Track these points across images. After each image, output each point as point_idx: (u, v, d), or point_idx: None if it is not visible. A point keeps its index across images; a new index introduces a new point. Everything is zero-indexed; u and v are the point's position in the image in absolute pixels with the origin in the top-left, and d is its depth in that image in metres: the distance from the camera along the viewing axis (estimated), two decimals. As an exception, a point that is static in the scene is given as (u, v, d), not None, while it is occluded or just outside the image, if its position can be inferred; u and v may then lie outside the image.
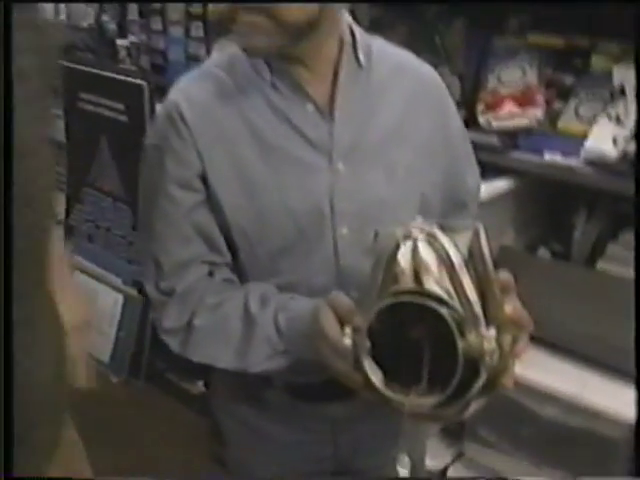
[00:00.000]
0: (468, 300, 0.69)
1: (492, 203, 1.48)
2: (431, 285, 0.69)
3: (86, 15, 2.45)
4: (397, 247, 0.71)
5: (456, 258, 0.71)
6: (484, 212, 1.49)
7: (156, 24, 2.20)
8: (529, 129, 1.48)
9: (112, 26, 2.40)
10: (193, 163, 0.92)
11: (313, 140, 0.93)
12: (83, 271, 2.37)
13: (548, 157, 1.44)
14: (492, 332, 0.70)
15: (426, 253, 0.71)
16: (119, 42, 2.33)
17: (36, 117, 0.34)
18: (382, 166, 0.96)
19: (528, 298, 0.80)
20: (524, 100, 1.49)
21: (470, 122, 1.53)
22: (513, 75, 1.54)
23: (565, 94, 1.49)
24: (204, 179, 0.92)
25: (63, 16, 2.53)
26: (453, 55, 1.61)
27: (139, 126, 1.99)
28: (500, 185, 1.51)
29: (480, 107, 1.53)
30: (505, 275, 0.77)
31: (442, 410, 0.70)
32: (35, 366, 0.36)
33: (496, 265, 0.77)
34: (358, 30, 0.96)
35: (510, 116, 1.49)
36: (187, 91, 0.94)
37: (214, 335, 0.93)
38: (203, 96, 0.93)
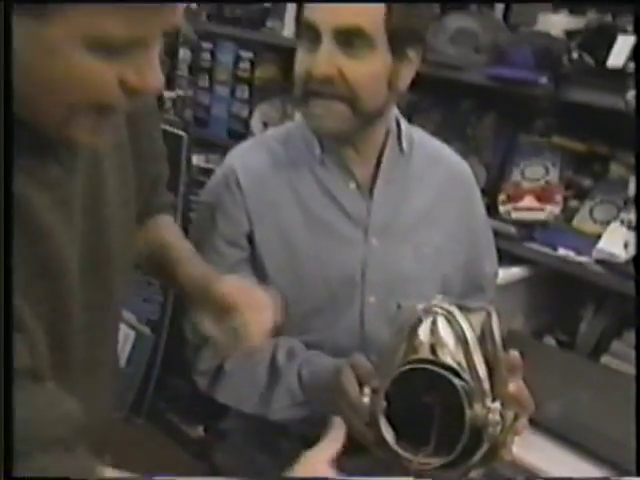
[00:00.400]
0: (478, 375, 0.78)
1: (506, 288, 1.57)
2: (446, 358, 0.78)
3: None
4: (419, 321, 0.80)
5: (470, 336, 0.80)
6: (497, 296, 1.58)
7: (203, 81, 2.35)
8: (546, 223, 1.58)
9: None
10: (242, 223, 1.01)
11: (352, 215, 1.03)
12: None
13: (561, 251, 1.53)
14: (497, 405, 0.78)
15: (444, 329, 0.80)
16: (166, 94, 2.48)
17: None
18: (411, 245, 1.05)
19: (531, 382, 0.88)
20: (544, 196, 1.59)
21: (491, 210, 1.64)
22: (536, 172, 1.65)
23: (582, 195, 1.60)
24: (250, 239, 1.02)
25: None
26: (482, 146, 1.72)
27: (174, 175, 2.10)
28: (514, 272, 1.60)
29: (502, 197, 1.63)
30: (514, 355, 0.86)
31: (445, 472, 0.77)
32: None
33: (505, 347, 0.86)
34: (403, 120, 1.08)
35: (529, 209, 1.60)
36: (244, 159, 1.05)
37: (241, 380, 1.01)
38: (258, 165, 1.04)
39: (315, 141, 1.03)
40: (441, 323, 0.79)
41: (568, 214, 1.59)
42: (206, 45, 2.33)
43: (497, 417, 0.78)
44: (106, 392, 0.89)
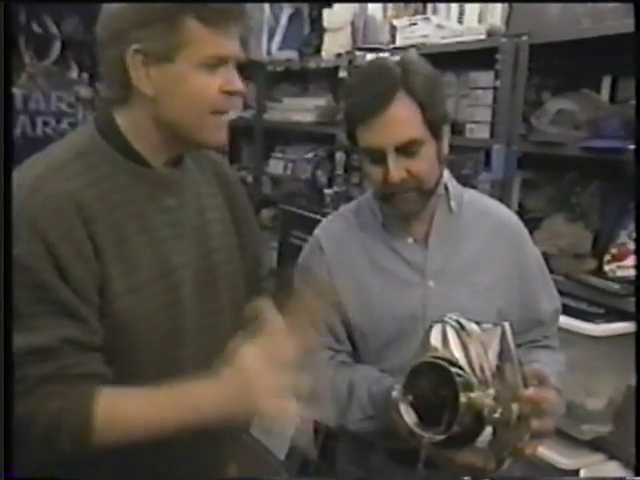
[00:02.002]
0: (478, 369, 0.97)
1: (614, 341, 1.65)
2: (446, 354, 0.98)
3: (305, 170, 3.07)
4: (430, 328, 1.02)
5: (472, 340, 1.00)
6: (609, 348, 1.67)
7: (355, 178, 2.72)
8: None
9: (323, 179, 2.99)
10: (324, 277, 1.29)
11: (411, 263, 1.27)
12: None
13: (666, 305, 1.59)
14: (491, 391, 0.96)
15: (450, 334, 1.01)
16: (326, 191, 2.89)
17: None
18: (465, 285, 1.25)
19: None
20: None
21: (597, 271, 1.75)
22: (643, 233, 1.73)
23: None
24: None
25: (289, 171, 3.19)
26: (588, 212, 1.85)
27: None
28: (621, 327, 1.67)
29: (607, 257, 1.74)
30: (539, 370, 1.04)
31: (459, 450, 0.96)
32: None
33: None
34: (451, 184, 1.31)
35: (633, 267, 1.68)
36: (326, 228, 1.36)
37: (326, 398, 1.25)
38: (336, 232, 1.34)
39: (378, 210, 1.31)
40: (449, 330, 1.00)
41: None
42: (356, 148, 2.71)
43: (490, 401, 0.95)
44: None
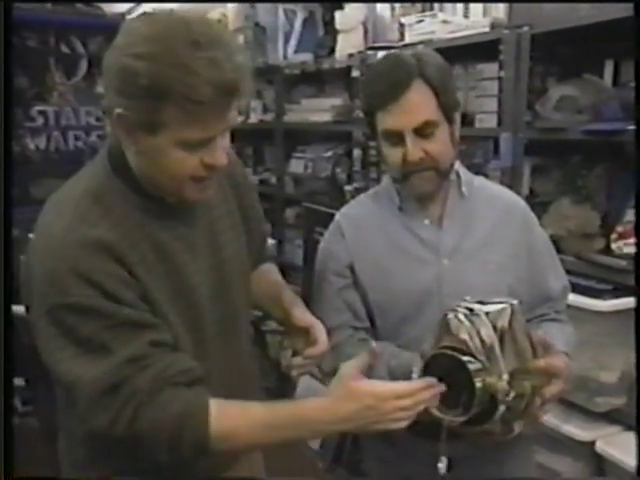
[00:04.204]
0: (486, 350, 1.06)
1: (621, 315, 1.71)
2: (462, 345, 1.07)
3: (325, 169, 3.17)
4: (445, 316, 1.11)
5: (482, 325, 1.08)
6: (618, 323, 1.73)
7: (373, 174, 2.81)
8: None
9: (342, 176, 3.09)
10: (345, 259, 1.39)
11: (427, 242, 1.36)
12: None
13: (672, 279, 1.64)
14: (505, 376, 1.05)
15: (464, 319, 1.09)
16: (346, 187, 2.99)
17: None
18: (477, 262, 1.34)
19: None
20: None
21: (605, 249, 1.82)
22: (648, 210, 1.79)
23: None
24: (352, 269, 1.39)
25: (309, 170, 3.29)
26: (594, 194, 1.91)
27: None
28: (630, 301, 1.73)
29: (614, 236, 1.80)
30: (541, 336, 1.15)
31: (476, 427, 1.07)
32: None
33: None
34: (462, 171, 1.40)
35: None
36: (346, 213, 1.46)
37: None
38: (355, 216, 1.43)
39: (395, 195, 1.40)
40: (460, 317, 1.09)
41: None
42: (373, 143, 2.80)
43: (504, 385, 1.04)
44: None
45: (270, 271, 1.44)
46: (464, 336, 1.08)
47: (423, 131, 1.26)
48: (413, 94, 1.25)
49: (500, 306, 1.12)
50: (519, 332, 1.11)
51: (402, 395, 1.03)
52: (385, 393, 1.03)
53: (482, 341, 1.08)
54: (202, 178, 1.05)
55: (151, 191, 1.10)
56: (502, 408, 1.06)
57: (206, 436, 1.02)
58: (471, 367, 1.05)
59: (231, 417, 1.05)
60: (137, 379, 1.01)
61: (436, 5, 2.59)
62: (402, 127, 1.26)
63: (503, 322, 1.10)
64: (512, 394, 1.06)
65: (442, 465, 1.11)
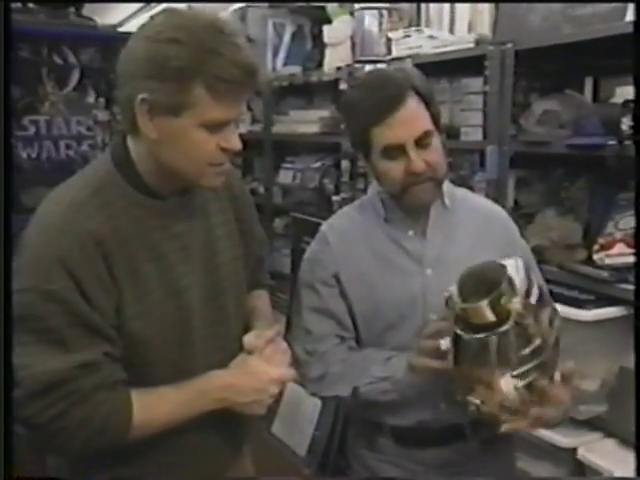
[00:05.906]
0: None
1: (602, 325, 1.76)
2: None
3: (313, 179, 3.21)
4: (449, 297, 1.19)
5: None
6: (600, 332, 1.77)
7: (360, 184, 2.85)
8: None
9: (330, 187, 3.12)
10: (331, 268, 1.42)
11: (411, 253, 1.39)
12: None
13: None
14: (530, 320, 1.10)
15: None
16: (334, 198, 3.02)
17: None
18: (459, 272, 1.37)
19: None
20: (632, 242, 1.78)
21: (587, 260, 1.86)
22: (628, 222, 1.84)
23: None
24: (337, 279, 1.42)
25: (298, 180, 3.33)
26: (577, 206, 1.96)
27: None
28: (610, 312, 1.78)
29: (596, 247, 1.85)
30: (569, 365, 1.21)
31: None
32: None
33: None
34: (445, 183, 1.43)
35: (620, 255, 1.79)
36: (332, 224, 1.49)
37: (342, 378, 1.38)
38: (341, 227, 1.47)
39: (381, 206, 1.43)
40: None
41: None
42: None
43: (522, 309, 1.10)
44: None
45: (256, 296, 1.45)
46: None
47: (422, 141, 1.30)
48: (409, 105, 1.29)
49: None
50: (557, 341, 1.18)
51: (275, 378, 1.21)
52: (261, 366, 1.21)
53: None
54: (218, 164, 1.11)
55: (153, 187, 1.14)
56: (510, 324, 1.09)
57: (129, 428, 1.10)
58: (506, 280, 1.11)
59: (151, 403, 1.13)
60: (82, 382, 1.06)
61: (423, 20, 2.65)
62: (404, 139, 1.29)
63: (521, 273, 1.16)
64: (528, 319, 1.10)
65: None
